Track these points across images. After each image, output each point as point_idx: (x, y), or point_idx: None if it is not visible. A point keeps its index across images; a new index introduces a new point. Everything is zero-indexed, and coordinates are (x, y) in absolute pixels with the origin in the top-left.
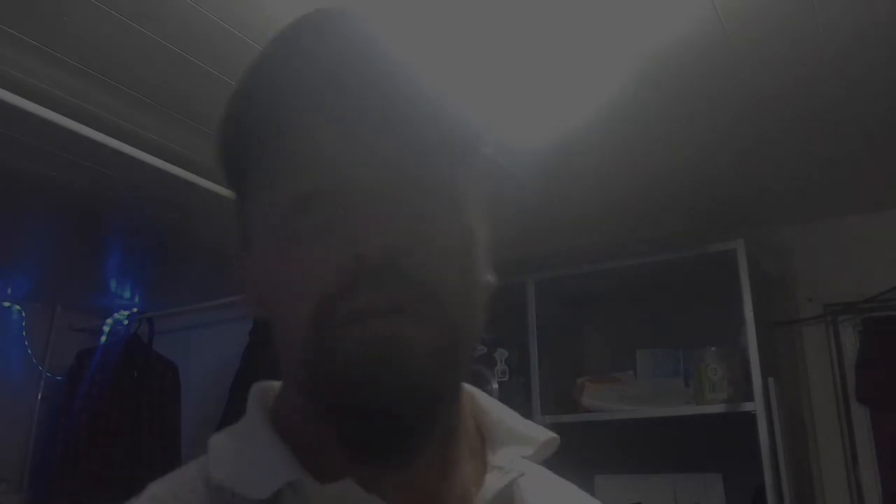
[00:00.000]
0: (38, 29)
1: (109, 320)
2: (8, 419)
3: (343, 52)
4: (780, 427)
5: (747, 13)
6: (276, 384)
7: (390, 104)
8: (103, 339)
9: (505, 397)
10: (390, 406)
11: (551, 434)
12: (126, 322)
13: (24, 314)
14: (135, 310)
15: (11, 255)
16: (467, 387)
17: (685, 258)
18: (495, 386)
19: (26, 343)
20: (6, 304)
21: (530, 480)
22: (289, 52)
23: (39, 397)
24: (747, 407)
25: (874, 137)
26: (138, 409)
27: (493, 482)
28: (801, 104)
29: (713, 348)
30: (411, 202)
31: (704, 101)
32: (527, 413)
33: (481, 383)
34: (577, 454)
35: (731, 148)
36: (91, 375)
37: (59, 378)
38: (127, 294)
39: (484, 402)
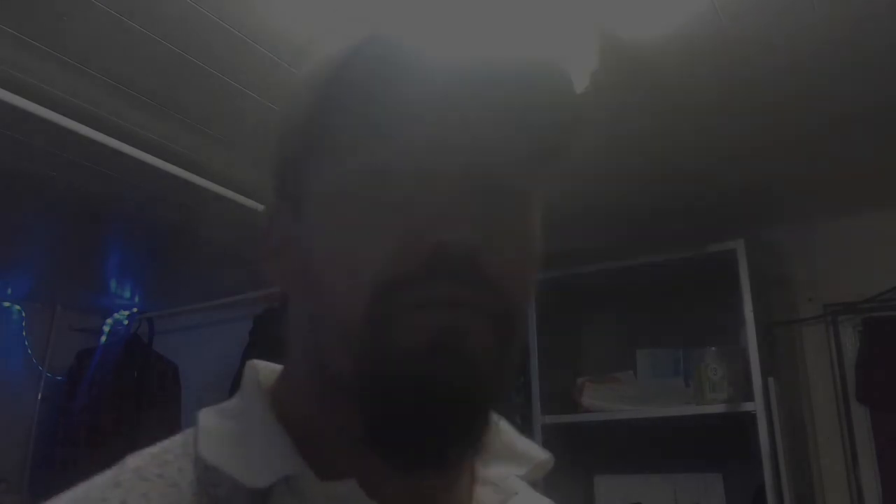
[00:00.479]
0: (38, 29)
1: (109, 320)
2: (8, 419)
3: (450, 47)
4: (780, 427)
5: (747, 13)
6: (273, 366)
7: (491, 99)
8: (103, 339)
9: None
10: (451, 405)
11: (547, 454)
12: (126, 322)
13: (24, 314)
14: (135, 310)
15: (11, 255)
16: None
17: (685, 258)
18: None
19: (26, 343)
20: (6, 304)
21: (521, 501)
22: (397, 37)
23: (39, 397)
24: (747, 407)
25: (874, 137)
26: (138, 409)
27: (487, 498)
28: (801, 104)
29: (713, 348)
30: (496, 200)
31: (705, 100)
32: (527, 413)
33: None
34: (577, 454)
35: (732, 148)
36: (91, 375)
37: (59, 378)
38: (127, 294)
39: None
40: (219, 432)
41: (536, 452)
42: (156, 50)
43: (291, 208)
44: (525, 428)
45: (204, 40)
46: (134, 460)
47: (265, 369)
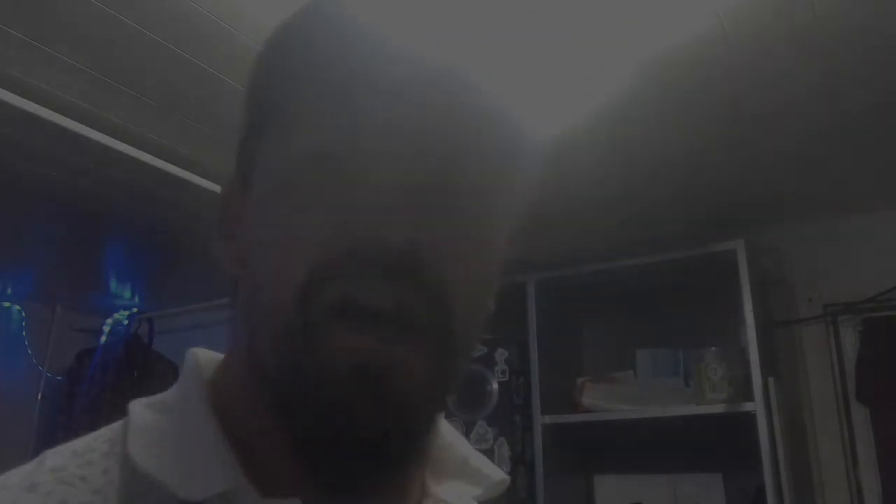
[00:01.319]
0: (38, 29)
1: (109, 320)
2: (8, 419)
3: (397, 22)
4: (780, 427)
5: (748, 17)
6: (216, 355)
7: (445, 87)
8: (103, 339)
9: (505, 397)
10: (368, 436)
11: (504, 475)
12: (126, 322)
13: (24, 314)
14: (135, 310)
15: (11, 255)
16: None
17: (685, 258)
18: (495, 386)
19: (26, 343)
20: (6, 304)
21: None
22: (332, 9)
23: (39, 397)
24: (747, 407)
25: (874, 138)
26: None
27: None
28: (801, 104)
29: (713, 348)
30: (445, 196)
31: (705, 101)
32: (527, 413)
33: (481, 383)
34: (577, 454)
35: (732, 148)
36: (91, 375)
37: (59, 378)
38: (127, 294)
39: (443, 426)
40: (151, 430)
41: (492, 471)
42: (155, 50)
43: (241, 187)
44: (525, 428)
45: (204, 40)
46: (54, 458)
47: (207, 358)
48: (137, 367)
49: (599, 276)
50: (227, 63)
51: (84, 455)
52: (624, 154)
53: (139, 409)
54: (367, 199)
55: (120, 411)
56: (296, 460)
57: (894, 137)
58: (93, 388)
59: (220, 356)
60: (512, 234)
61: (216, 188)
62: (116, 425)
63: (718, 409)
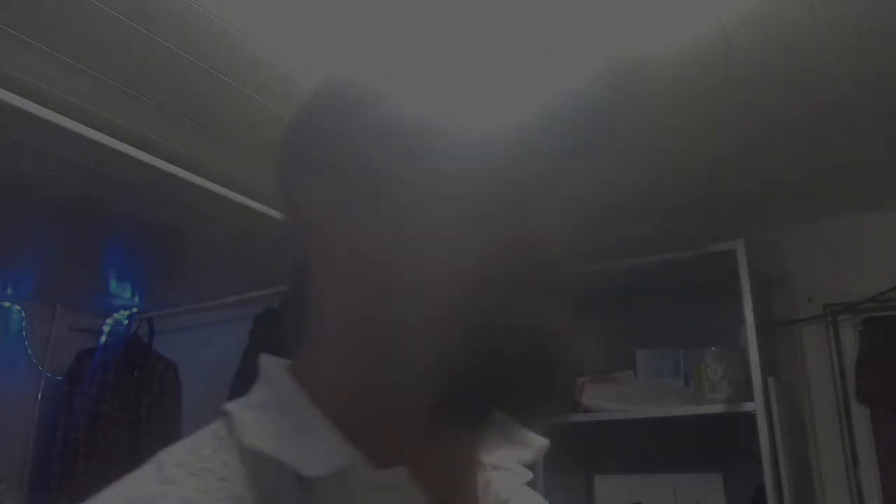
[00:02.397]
0: (39, 29)
1: (109, 320)
2: (8, 419)
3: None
4: (780, 427)
5: (748, 16)
6: (283, 360)
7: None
8: (103, 339)
9: None
10: (521, 390)
11: (545, 440)
12: (126, 322)
13: (24, 314)
14: (135, 310)
15: (11, 255)
16: None
17: (685, 258)
18: None
19: (26, 343)
20: (6, 304)
21: (528, 491)
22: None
23: (39, 397)
24: (747, 407)
25: (874, 138)
26: (138, 409)
27: (503, 481)
28: (801, 105)
29: (713, 348)
30: (563, 217)
31: (705, 101)
32: None
33: None
34: (577, 454)
35: (732, 148)
36: (91, 375)
37: (59, 378)
38: (127, 294)
39: None
40: (260, 423)
41: (536, 438)
42: (156, 50)
43: (338, 186)
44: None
45: (204, 40)
46: (174, 456)
47: (282, 363)
48: (137, 367)
49: (599, 276)
50: (228, 63)
51: (197, 452)
52: (623, 154)
53: (238, 409)
54: (521, 224)
55: (120, 411)
56: (434, 414)
57: (895, 137)
58: (93, 388)
59: (285, 361)
60: None
61: (216, 188)
62: (213, 426)
63: (718, 409)
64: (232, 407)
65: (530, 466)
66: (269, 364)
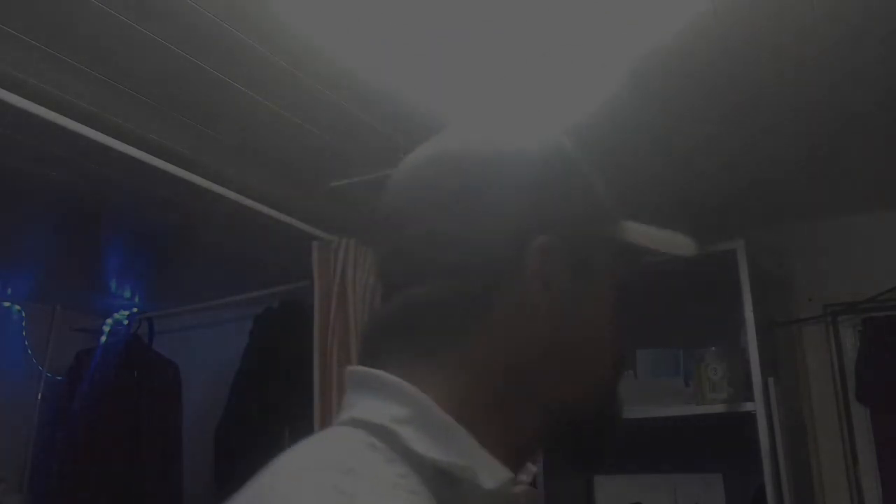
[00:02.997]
0: (39, 29)
1: (109, 320)
2: (8, 419)
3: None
4: (780, 427)
5: (745, 14)
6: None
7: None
8: (103, 339)
9: None
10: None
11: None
12: (126, 322)
13: (24, 314)
14: (135, 310)
15: (11, 255)
16: None
17: (685, 258)
18: None
19: (26, 343)
20: (6, 304)
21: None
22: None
23: (39, 397)
24: (747, 407)
25: (874, 138)
26: (138, 409)
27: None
28: (801, 104)
29: (713, 348)
30: None
31: (704, 100)
32: None
33: None
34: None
35: (731, 148)
36: (91, 375)
37: (58, 378)
38: (127, 294)
39: None
40: (421, 440)
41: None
42: (156, 50)
43: (572, 272)
44: None
45: (204, 40)
46: (360, 468)
47: (402, 380)
48: (137, 367)
49: None
50: (228, 63)
51: (371, 468)
52: (623, 154)
53: (393, 423)
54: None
55: (120, 411)
56: (554, 451)
57: (895, 137)
58: (93, 389)
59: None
60: None
61: (216, 188)
62: (353, 441)
63: (718, 409)
64: (382, 419)
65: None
66: (410, 387)
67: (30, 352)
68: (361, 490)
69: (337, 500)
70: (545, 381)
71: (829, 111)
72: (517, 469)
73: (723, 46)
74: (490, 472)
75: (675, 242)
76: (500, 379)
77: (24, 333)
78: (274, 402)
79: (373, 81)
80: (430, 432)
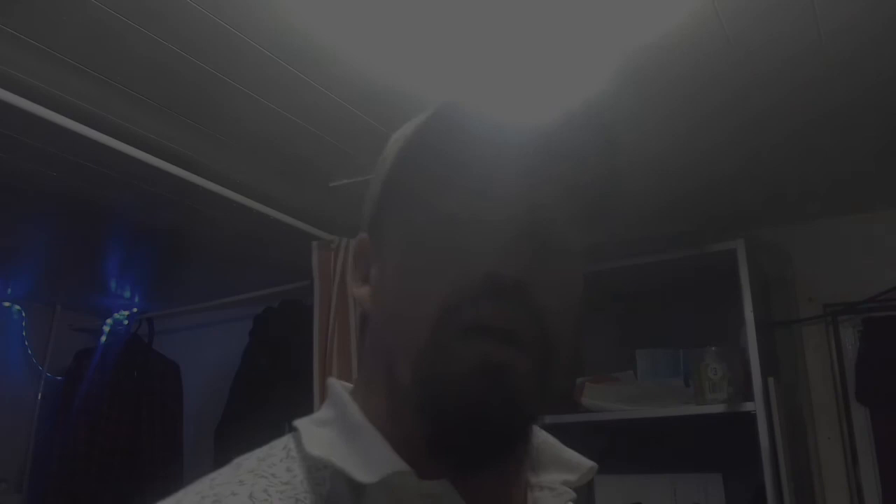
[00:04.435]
0: (38, 29)
1: (109, 320)
2: (8, 419)
3: (495, 123)
4: (780, 427)
5: (747, 12)
6: (345, 383)
7: (544, 162)
8: (103, 339)
9: None
10: (491, 423)
11: (592, 463)
12: (126, 322)
13: (24, 314)
14: (135, 310)
15: (11, 255)
16: None
17: (685, 258)
18: None
19: (26, 343)
20: (6, 304)
21: None
22: (462, 106)
23: (39, 397)
24: (747, 407)
25: (874, 137)
26: (138, 409)
27: (546, 500)
28: (800, 104)
29: (713, 348)
30: (549, 243)
31: (704, 100)
32: None
33: None
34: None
35: (731, 148)
36: (91, 375)
37: (58, 378)
38: (127, 294)
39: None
40: (322, 436)
41: (583, 461)
42: (156, 50)
43: (375, 245)
44: None
45: (204, 40)
46: (247, 463)
47: (347, 386)
48: (137, 367)
49: (599, 276)
50: (228, 63)
51: (267, 460)
52: (622, 154)
53: (305, 424)
54: (481, 250)
55: (120, 411)
56: (432, 452)
57: (895, 136)
58: (93, 389)
59: (348, 384)
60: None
61: (216, 188)
62: (283, 440)
63: (718, 409)
64: (300, 422)
65: (580, 488)
66: (335, 386)
67: (30, 352)
68: (222, 475)
69: (201, 483)
70: (385, 366)
71: (829, 111)
72: (449, 467)
73: (725, 49)
74: (374, 467)
75: None
76: (371, 367)
77: (24, 333)
78: (274, 403)
79: (373, 81)
80: (341, 430)
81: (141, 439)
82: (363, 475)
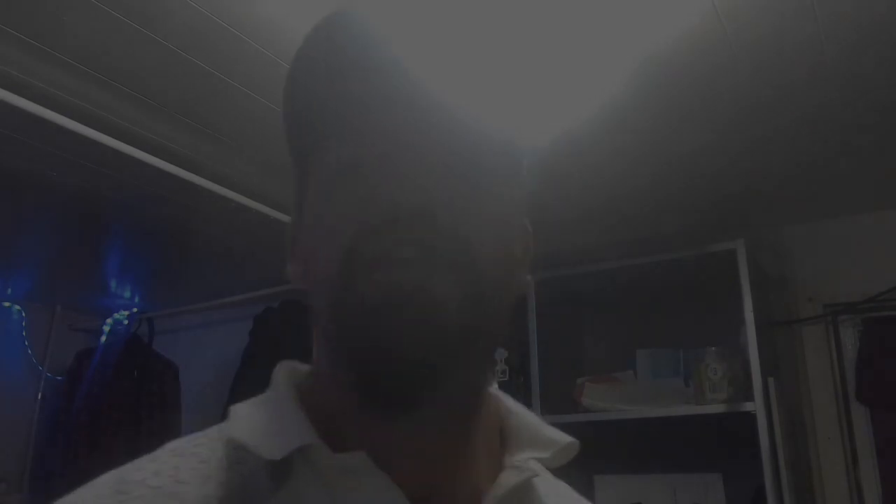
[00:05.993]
0: (38, 29)
1: (109, 320)
2: (8, 419)
3: (383, 41)
4: (780, 427)
5: (747, 12)
6: (304, 366)
7: (431, 89)
8: (103, 339)
9: None
10: (409, 350)
11: (571, 439)
12: (126, 322)
13: (24, 314)
14: (135, 310)
15: (11, 255)
16: (496, 390)
17: (685, 258)
18: (495, 386)
19: (26, 343)
20: (6, 304)
21: (546, 484)
22: (336, 38)
23: (39, 397)
24: (747, 407)
25: (874, 137)
26: (138, 409)
27: (506, 479)
28: (801, 104)
29: (713, 348)
30: (453, 166)
31: (704, 100)
32: None
33: None
34: (577, 454)
35: (731, 148)
36: (91, 375)
37: (58, 378)
38: (127, 294)
39: (510, 405)
40: (246, 416)
41: (558, 437)
42: (156, 50)
43: (297, 212)
44: None
45: (204, 40)
46: (176, 443)
47: (295, 366)
48: (137, 367)
49: (599, 276)
50: (228, 63)
51: (196, 440)
52: (623, 154)
53: (240, 405)
54: (387, 182)
55: (120, 411)
56: (361, 400)
57: (895, 136)
58: (93, 388)
59: (307, 366)
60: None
61: (216, 188)
62: (219, 424)
63: (718, 409)
64: (235, 405)
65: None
66: (279, 366)
67: (30, 352)
68: (141, 459)
69: (123, 466)
70: (316, 330)
71: (830, 111)
72: (371, 441)
73: (725, 49)
74: (282, 443)
75: None
76: (316, 345)
77: (24, 333)
78: None
79: None
80: (266, 408)
81: (140, 439)
82: (269, 452)
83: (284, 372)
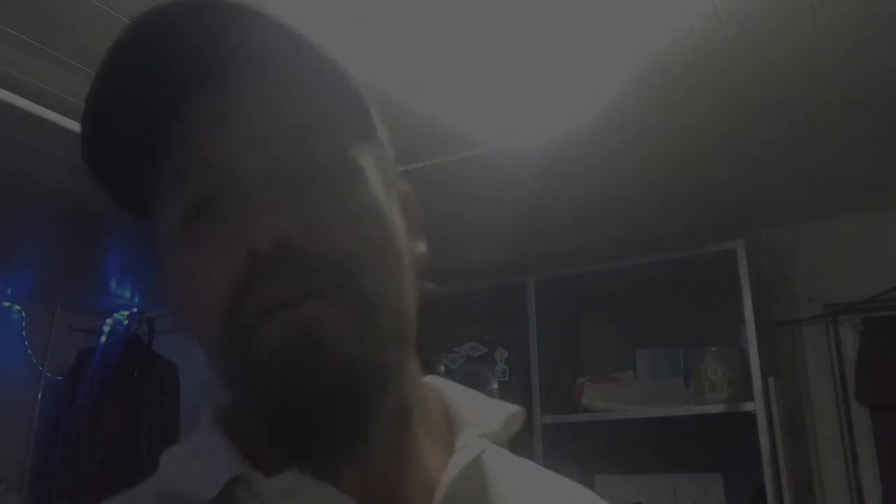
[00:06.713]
0: (38, 29)
1: (109, 320)
2: (8, 419)
3: (201, 42)
4: (780, 427)
5: (748, 15)
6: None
7: (263, 91)
8: (103, 339)
9: (505, 397)
10: (316, 393)
11: (515, 407)
12: (126, 322)
13: (24, 314)
14: (135, 310)
15: (11, 255)
16: (433, 377)
17: (685, 258)
18: (495, 386)
19: (26, 343)
20: (6, 304)
21: (497, 459)
22: (145, 49)
23: (39, 397)
24: (747, 407)
25: (874, 137)
26: (138, 409)
27: (455, 461)
28: (800, 104)
29: (713, 348)
30: (299, 184)
31: (704, 101)
32: (527, 413)
33: (481, 383)
34: (577, 454)
35: (732, 148)
36: (91, 375)
37: (59, 378)
38: (127, 294)
39: (449, 388)
40: (175, 460)
41: (503, 407)
42: None
43: (154, 259)
44: (525, 428)
45: None
46: (109, 500)
47: (220, 399)
48: (137, 367)
49: (599, 276)
50: None
51: (131, 494)
52: (623, 156)
53: (169, 450)
54: (236, 227)
55: (120, 411)
56: (279, 443)
57: (895, 137)
58: (93, 388)
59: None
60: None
61: None
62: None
63: (718, 409)
64: (164, 452)
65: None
66: (203, 403)
67: (30, 352)
68: None
69: None
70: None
71: (830, 111)
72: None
73: (725, 50)
74: (213, 480)
75: None
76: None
77: (24, 333)
78: None
79: (372, 84)
80: (194, 447)
81: (140, 439)
82: (202, 492)
83: (208, 407)
